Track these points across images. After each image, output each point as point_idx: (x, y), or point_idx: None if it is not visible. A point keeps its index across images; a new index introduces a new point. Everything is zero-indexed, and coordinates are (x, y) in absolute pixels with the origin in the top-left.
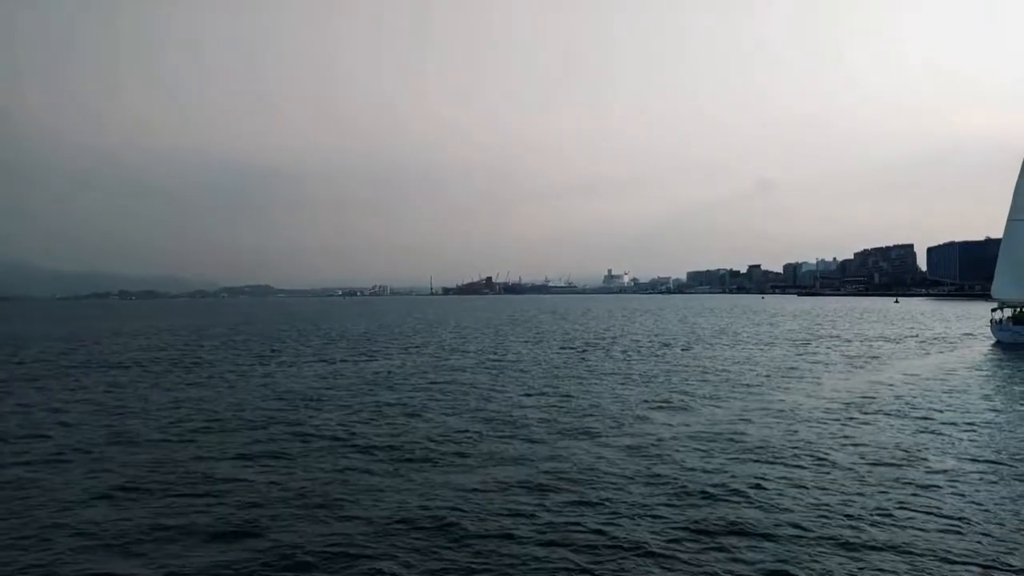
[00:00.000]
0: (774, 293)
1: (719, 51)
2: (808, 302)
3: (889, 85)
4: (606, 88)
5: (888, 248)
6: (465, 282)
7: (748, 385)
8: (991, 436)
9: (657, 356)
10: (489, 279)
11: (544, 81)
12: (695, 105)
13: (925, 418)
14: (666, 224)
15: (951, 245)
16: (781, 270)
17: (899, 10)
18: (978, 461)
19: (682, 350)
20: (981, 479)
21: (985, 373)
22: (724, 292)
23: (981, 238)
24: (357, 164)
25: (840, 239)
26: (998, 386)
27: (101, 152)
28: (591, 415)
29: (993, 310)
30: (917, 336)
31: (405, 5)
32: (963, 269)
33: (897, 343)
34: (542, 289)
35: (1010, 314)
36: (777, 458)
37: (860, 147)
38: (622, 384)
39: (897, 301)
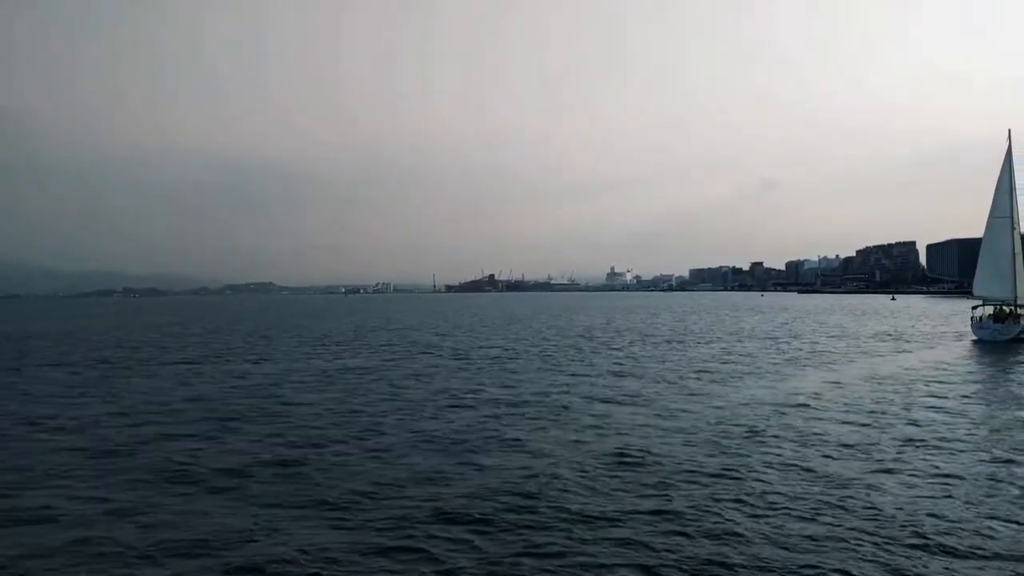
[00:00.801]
0: (775, 290)
1: (722, 51)
2: (806, 299)
3: (892, 85)
4: (610, 87)
5: (890, 245)
6: (468, 280)
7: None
8: (931, 432)
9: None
10: (492, 276)
11: (547, 80)
12: (699, 104)
13: (870, 414)
14: (670, 222)
15: (950, 243)
16: (784, 267)
17: (902, 10)
18: (914, 460)
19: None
20: (907, 482)
21: (953, 370)
22: (726, 290)
23: (980, 235)
24: (361, 163)
25: (844, 237)
26: (960, 383)
27: (105, 151)
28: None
29: (974, 308)
30: (894, 334)
31: (408, 5)
32: (962, 266)
33: (870, 341)
34: (545, 287)
35: (991, 312)
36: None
37: (864, 146)
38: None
39: (894, 298)
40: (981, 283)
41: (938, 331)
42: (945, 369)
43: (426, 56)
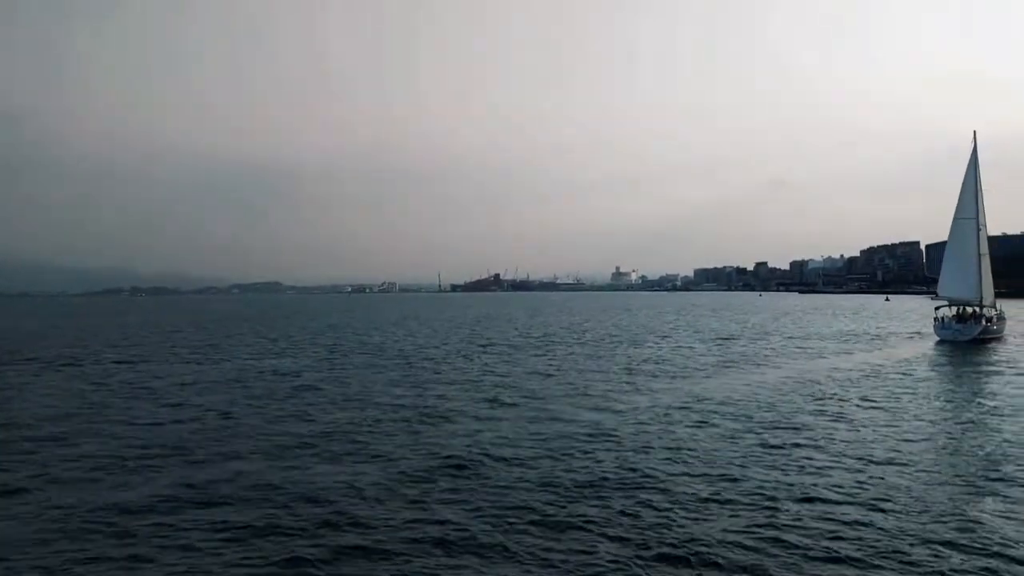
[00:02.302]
0: (778, 290)
1: (729, 50)
2: (804, 299)
3: (900, 84)
4: (614, 88)
5: (894, 245)
6: (473, 279)
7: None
8: (865, 432)
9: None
10: (497, 276)
11: (552, 80)
12: (706, 104)
13: (738, 419)
14: (676, 222)
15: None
16: (788, 267)
17: (908, 11)
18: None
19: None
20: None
21: (903, 370)
22: (730, 290)
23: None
24: (368, 163)
25: (851, 237)
26: (909, 383)
27: (114, 151)
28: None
29: (937, 309)
30: (861, 334)
31: (411, 5)
32: None
33: (825, 342)
34: (550, 286)
35: (954, 313)
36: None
37: (872, 146)
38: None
39: (888, 299)
40: (946, 284)
41: (905, 331)
42: (877, 370)
43: (432, 56)
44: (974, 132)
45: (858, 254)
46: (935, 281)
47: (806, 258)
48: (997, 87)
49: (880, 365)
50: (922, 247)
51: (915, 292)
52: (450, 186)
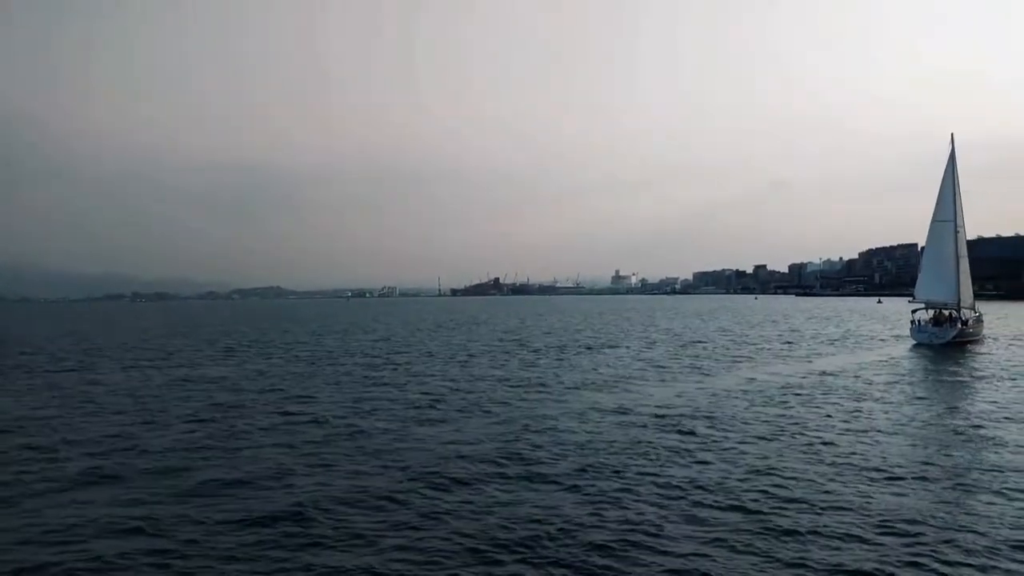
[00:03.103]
0: (776, 293)
1: (729, 53)
2: (799, 302)
3: (899, 86)
4: (614, 90)
5: (892, 248)
6: (473, 283)
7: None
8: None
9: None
10: (496, 280)
11: (552, 82)
12: (706, 107)
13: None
14: (676, 225)
15: None
16: (787, 270)
17: (910, 13)
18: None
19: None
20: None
21: (867, 374)
22: (728, 292)
23: (978, 237)
24: (369, 168)
25: (851, 240)
26: (867, 387)
27: (115, 157)
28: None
29: (913, 311)
30: (838, 337)
31: (415, 6)
32: None
33: (796, 344)
34: (550, 290)
35: (931, 316)
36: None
37: (872, 148)
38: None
39: (880, 301)
40: (923, 287)
41: (884, 334)
42: (840, 374)
43: (431, 59)
44: (951, 134)
45: (857, 256)
46: None
47: (805, 260)
48: (1000, 89)
49: (842, 370)
50: (920, 249)
51: (911, 295)
52: (450, 190)
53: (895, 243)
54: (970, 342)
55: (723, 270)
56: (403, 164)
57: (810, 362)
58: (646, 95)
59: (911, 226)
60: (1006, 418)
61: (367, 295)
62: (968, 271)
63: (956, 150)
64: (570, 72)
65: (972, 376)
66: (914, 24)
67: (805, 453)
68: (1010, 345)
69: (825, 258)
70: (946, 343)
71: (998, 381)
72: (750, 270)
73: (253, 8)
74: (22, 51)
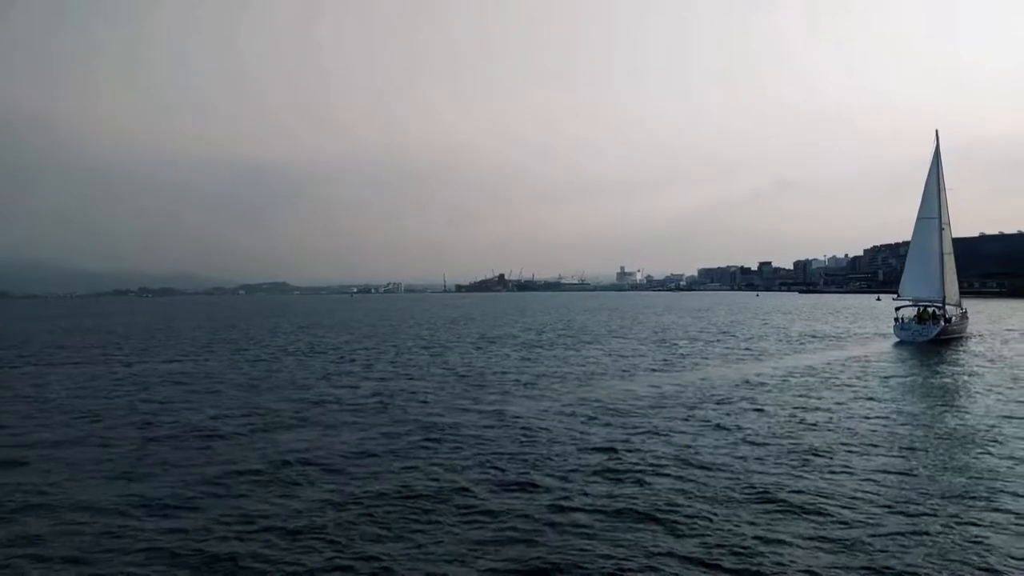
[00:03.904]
0: (780, 290)
1: (736, 52)
2: (801, 299)
3: (907, 85)
4: (621, 89)
5: (897, 245)
6: (478, 279)
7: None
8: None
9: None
10: (502, 276)
11: (559, 81)
12: (712, 104)
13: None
14: (682, 222)
15: None
16: (792, 267)
17: (916, 12)
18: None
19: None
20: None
21: (842, 372)
22: (733, 289)
23: (982, 233)
24: (375, 164)
25: (856, 237)
26: (843, 383)
27: (123, 153)
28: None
29: (897, 309)
30: (825, 335)
31: (420, 7)
32: (957, 266)
33: (789, 343)
34: (555, 286)
35: (914, 313)
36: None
37: (880, 146)
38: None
39: (879, 299)
40: (908, 285)
41: (870, 332)
42: (815, 371)
43: (437, 57)
44: (936, 132)
45: (862, 253)
46: None
47: (811, 257)
48: (1013, 88)
49: (811, 368)
50: None
51: None
52: (456, 187)
53: (900, 240)
54: (954, 339)
55: (728, 267)
56: (409, 162)
57: (780, 360)
58: (653, 93)
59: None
60: (969, 413)
61: (372, 291)
62: (954, 268)
63: (967, 147)
64: (577, 70)
65: (947, 373)
66: (924, 24)
67: (720, 450)
68: (994, 342)
69: (830, 255)
70: (929, 340)
71: (973, 377)
72: (755, 267)
73: (258, 8)
74: (26, 51)
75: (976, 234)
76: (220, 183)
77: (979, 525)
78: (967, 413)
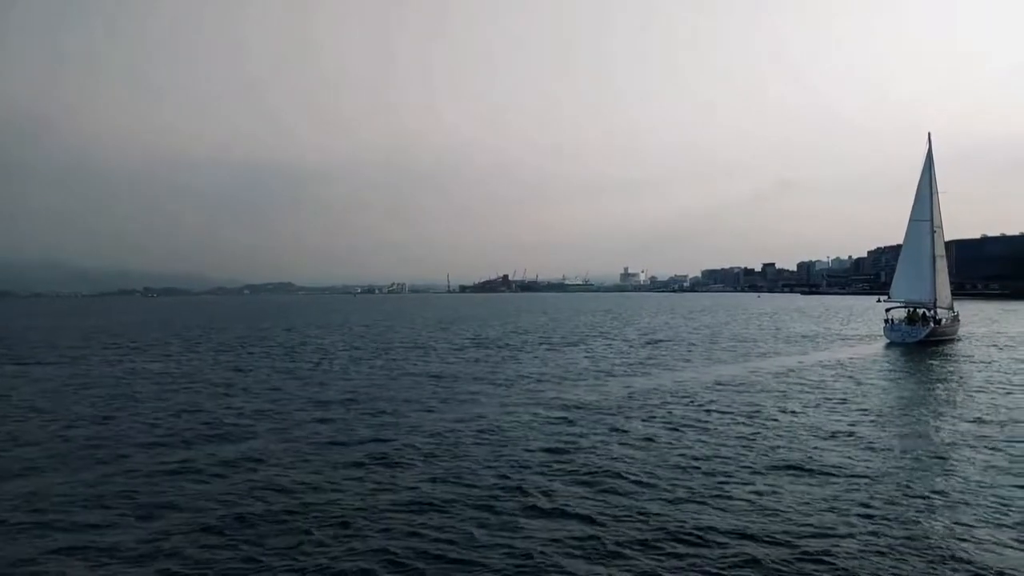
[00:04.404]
0: (783, 291)
1: (739, 53)
2: (803, 300)
3: (913, 86)
4: (625, 90)
5: (899, 246)
6: (482, 280)
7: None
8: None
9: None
10: (506, 277)
11: (563, 82)
12: (716, 105)
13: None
14: (687, 223)
15: (949, 244)
16: (795, 268)
17: (922, 13)
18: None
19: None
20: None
21: (826, 373)
22: (737, 290)
23: (984, 236)
24: (379, 164)
25: (860, 238)
26: (820, 385)
27: (127, 154)
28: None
29: (887, 311)
30: (816, 336)
31: (423, 7)
32: (960, 268)
33: (781, 343)
34: (559, 287)
35: (905, 315)
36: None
37: (884, 146)
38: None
39: (879, 300)
40: (899, 286)
41: (862, 334)
42: (801, 372)
43: (442, 59)
44: (928, 134)
45: (866, 255)
46: None
47: (815, 259)
48: (1018, 90)
49: (791, 369)
50: None
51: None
52: (460, 187)
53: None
54: (944, 341)
55: (732, 268)
56: (414, 162)
57: (766, 360)
58: (656, 93)
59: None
60: (940, 416)
61: (376, 291)
62: (946, 270)
63: (971, 149)
64: (581, 72)
65: (928, 376)
66: (928, 25)
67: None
68: (983, 345)
69: (834, 256)
70: (918, 342)
71: (953, 381)
72: (759, 268)
73: (263, 8)
74: (31, 52)
75: (978, 236)
76: (223, 183)
77: (921, 526)
78: (938, 416)
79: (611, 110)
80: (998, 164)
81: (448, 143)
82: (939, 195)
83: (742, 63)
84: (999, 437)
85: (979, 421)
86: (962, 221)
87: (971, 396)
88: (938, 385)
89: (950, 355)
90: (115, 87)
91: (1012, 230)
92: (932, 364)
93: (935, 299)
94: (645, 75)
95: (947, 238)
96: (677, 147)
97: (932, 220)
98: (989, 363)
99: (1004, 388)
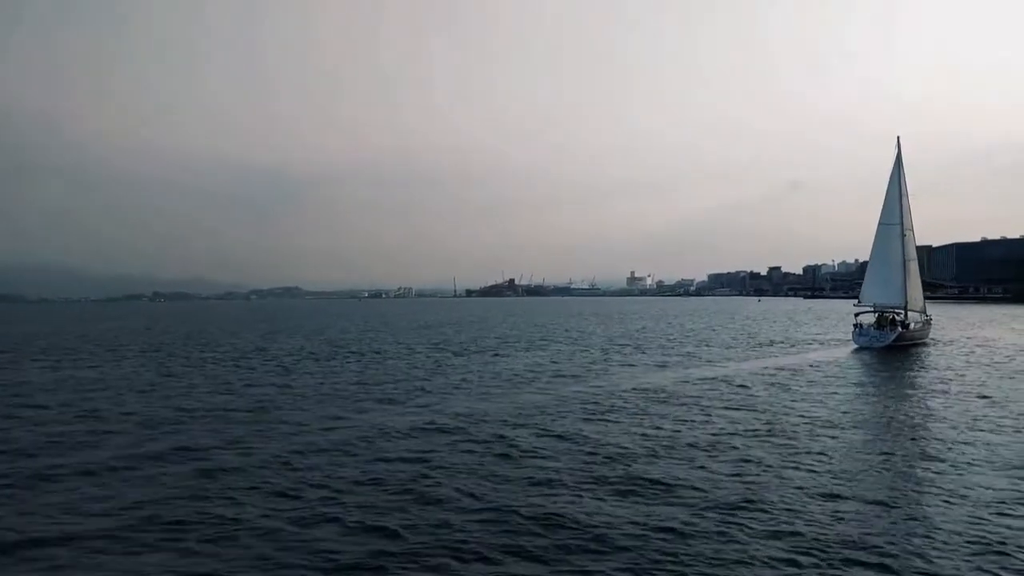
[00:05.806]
0: (788, 295)
1: (745, 54)
2: (804, 303)
3: (919, 88)
4: (630, 92)
5: None
6: (488, 284)
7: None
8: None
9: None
10: (512, 281)
11: (565, 85)
12: (722, 108)
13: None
14: (693, 227)
15: (950, 247)
16: (801, 272)
17: (929, 13)
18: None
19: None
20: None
21: (791, 376)
22: (742, 294)
23: (986, 238)
24: (386, 168)
25: (866, 242)
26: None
27: (135, 157)
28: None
29: (856, 315)
30: (786, 340)
31: (425, 7)
32: (961, 271)
33: (748, 348)
34: (565, 291)
35: (874, 319)
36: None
37: (890, 150)
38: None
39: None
40: (869, 291)
41: (834, 337)
42: (740, 377)
43: (446, 60)
44: (897, 138)
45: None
46: (939, 286)
47: (820, 262)
48: (1019, 89)
49: (752, 373)
50: (931, 251)
51: None
52: (466, 191)
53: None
54: (913, 345)
55: (737, 272)
56: (420, 165)
57: (725, 366)
58: (662, 96)
59: (926, 229)
60: (890, 419)
61: (383, 295)
62: (917, 273)
63: (980, 151)
64: (587, 73)
65: (888, 379)
66: (935, 24)
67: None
68: (951, 351)
69: (840, 260)
70: (887, 346)
71: (909, 386)
72: (764, 272)
73: (266, 10)
74: (34, 52)
75: (978, 239)
76: (229, 186)
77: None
78: (889, 419)
79: (619, 114)
80: (1006, 165)
81: (451, 144)
82: (908, 198)
83: (748, 64)
84: (931, 442)
85: (919, 427)
86: (964, 224)
87: (922, 400)
88: (892, 390)
89: (914, 360)
90: (116, 88)
91: (1013, 233)
92: (896, 368)
93: (905, 303)
94: (654, 77)
95: (947, 241)
96: (684, 150)
97: (902, 223)
98: (951, 368)
99: (961, 393)
